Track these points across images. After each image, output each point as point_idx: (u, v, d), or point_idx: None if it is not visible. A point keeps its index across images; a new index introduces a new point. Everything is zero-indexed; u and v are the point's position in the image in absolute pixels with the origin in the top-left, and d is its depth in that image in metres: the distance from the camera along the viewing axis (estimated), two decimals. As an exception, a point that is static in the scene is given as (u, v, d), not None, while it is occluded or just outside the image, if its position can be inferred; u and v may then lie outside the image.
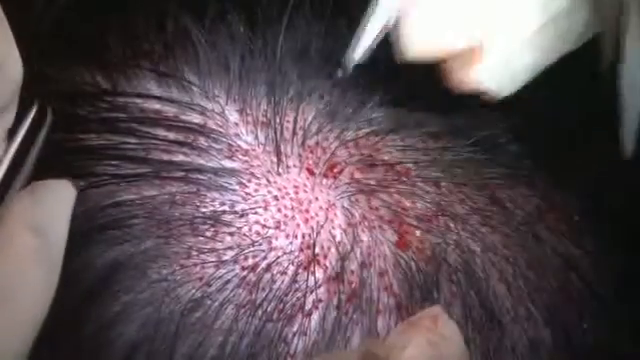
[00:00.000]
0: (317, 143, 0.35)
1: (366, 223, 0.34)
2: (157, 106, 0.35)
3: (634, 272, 0.36)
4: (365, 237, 0.34)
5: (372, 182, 0.35)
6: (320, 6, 0.36)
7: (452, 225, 0.35)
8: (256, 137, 0.35)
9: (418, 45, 0.33)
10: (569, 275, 0.36)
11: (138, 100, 0.35)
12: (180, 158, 0.34)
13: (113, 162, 0.34)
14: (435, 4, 0.33)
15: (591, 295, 0.36)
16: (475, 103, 0.37)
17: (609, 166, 0.37)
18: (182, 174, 0.34)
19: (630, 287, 0.36)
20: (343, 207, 0.35)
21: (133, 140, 0.34)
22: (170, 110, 0.35)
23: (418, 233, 0.34)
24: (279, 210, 0.34)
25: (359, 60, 0.34)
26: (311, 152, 0.35)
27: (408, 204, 0.35)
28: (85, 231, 0.34)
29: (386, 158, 0.36)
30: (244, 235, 0.33)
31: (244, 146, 0.35)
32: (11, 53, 0.29)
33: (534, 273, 0.35)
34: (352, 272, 0.33)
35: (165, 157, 0.34)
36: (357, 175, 0.35)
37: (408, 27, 0.33)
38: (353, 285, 0.33)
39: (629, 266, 0.36)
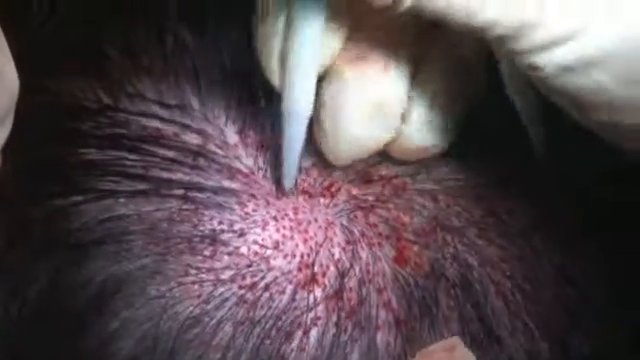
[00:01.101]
0: (314, 164, 0.35)
1: (365, 240, 0.34)
2: (157, 124, 0.35)
3: (629, 283, 0.36)
4: (364, 254, 0.34)
5: (370, 198, 0.35)
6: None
7: (449, 239, 0.35)
8: (255, 161, 0.35)
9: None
10: (565, 286, 0.36)
11: (139, 117, 0.35)
12: (179, 176, 0.34)
13: (113, 178, 0.34)
14: None
15: (587, 306, 0.36)
16: (469, 114, 0.37)
17: (604, 176, 0.37)
18: (181, 192, 0.34)
19: (626, 298, 0.36)
20: (342, 225, 0.35)
21: (133, 157, 0.34)
22: (170, 129, 0.35)
23: (416, 248, 0.34)
24: (277, 230, 0.34)
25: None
26: (307, 174, 0.35)
27: (406, 219, 0.35)
28: (84, 246, 0.34)
29: (383, 173, 0.36)
30: (242, 255, 0.33)
31: (244, 170, 0.35)
32: (7, 65, 0.29)
33: (530, 285, 0.35)
34: (351, 289, 0.33)
35: (165, 175, 0.34)
36: (354, 192, 0.35)
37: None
38: (352, 302, 0.33)
39: (624, 277, 0.37)
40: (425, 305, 0.34)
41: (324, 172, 0.35)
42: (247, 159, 0.35)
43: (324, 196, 0.35)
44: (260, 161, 0.35)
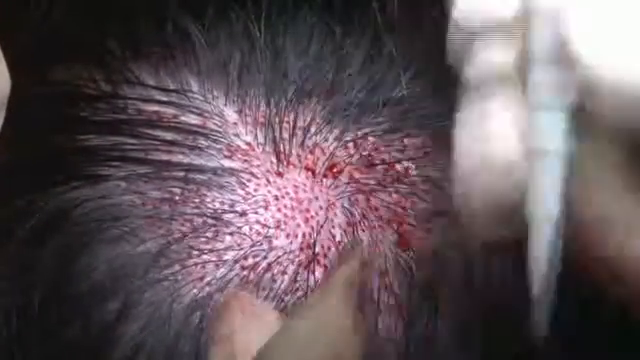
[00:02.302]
0: (316, 144, 0.35)
1: (366, 223, 0.34)
2: (156, 107, 0.35)
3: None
4: (365, 237, 0.34)
5: (371, 182, 0.35)
6: (319, 7, 0.36)
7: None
8: (255, 137, 0.35)
9: None
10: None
11: (137, 102, 0.35)
12: (179, 158, 0.34)
13: (113, 163, 0.34)
14: None
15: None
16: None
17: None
18: (182, 174, 0.34)
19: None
20: (343, 207, 0.35)
21: (133, 141, 0.35)
22: (169, 111, 0.35)
23: (418, 233, 0.34)
24: (279, 210, 0.34)
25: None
26: (310, 152, 0.35)
27: (407, 204, 0.35)
28: (86, 232, 0.34)
29: (385, 158, 0.36)
30: (244, 235, 0.33)
31: (243, 146, 0.35)
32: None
33: None
34: None
35: (165, 157, 0.34)
36: (356, 175, 0.35)
37: None
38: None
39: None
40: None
41: (327, 153, 0.35)
42: (246, 136, 0.35)
43: (326, 176, 0.35)
44: (260, 137, 0.35)
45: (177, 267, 0.33)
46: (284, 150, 0.35)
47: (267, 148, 0.35)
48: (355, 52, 0.37)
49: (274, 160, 0.35)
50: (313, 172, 0.35)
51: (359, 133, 0.36)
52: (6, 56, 0.30)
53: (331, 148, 0.35)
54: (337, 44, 0.36)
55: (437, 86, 0.37)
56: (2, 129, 0.30)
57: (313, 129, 0.35)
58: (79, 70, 0.37)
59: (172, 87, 0.36)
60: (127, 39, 0.37)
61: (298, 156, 0.35)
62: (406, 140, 0.36)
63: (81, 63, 0.37)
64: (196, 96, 0.35)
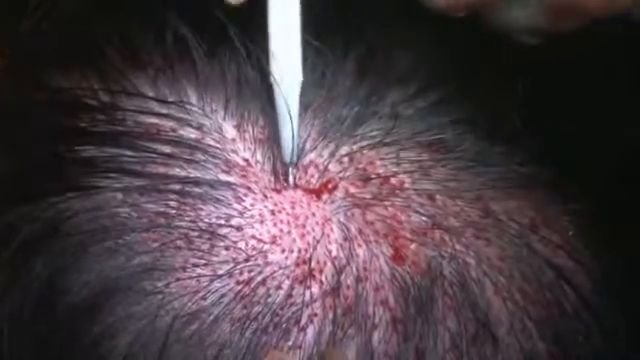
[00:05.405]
0: (311, 160, 0.35)
1: (362, 237, 0.34)
2: (155, 120, 0.35)
3: (627, 284, 0.36)
4: (361, 251, 0.34)
5: (367, 196, 0.35)
6: (315, 22, 0.36)
7: (447, 238, 0.35)
8: (254, 154, 0.35)
9: None
10: (563, 287, 0.36)
11: (136, 114, 0.35)
12: (176, 171, 0.34)
13: (110, 174, 0.34)
14: None
15: (585, 307, 0.36)
16: (468, 114, 0.37)
17: (604, 179, 0.37)
18: (178, 187, 0.34)
19: (624, 299, 0.36)
20: (339, 222, 0.35)
21: (130, 153, 0.34)
22: (167, 124, 0.35)
23: (413, 247, 0.34)
24: (275, 225, 0.34)
25: None
26: (306, 170, 0.35)
27: (403, 217, 0.35)
28: (79, 243, 0.34)
29: (380, 171, 0.36)
30: (239, 249, 0.33)
31: (241, 163, 0.35)
32: None
33: (529, 286, 0.35)
34: (348, 286, 0.33)
35: (162, 170, 0.34)
36: (352, 190, 0.35)
37: None
38: (349, 299, 0.33)
39: (622, 278, 0.37)
40: (422, 303, 0.34)
41: (321, 169, 0.35)
42: (244, 152, 0.35)
43: (322, 192, 0.35)
44: (258, 154, 0.35)
45: (171, 280, 0.33)
46: (282, 169, 0.35)
47: (265, 167, 0.35)
48: (347, 66, 0.36)
49: (272, 178, 0.35)
50: (309, 189, 0.35)
51: (354, 147, 0.36)
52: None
53: (326, 164, 0.35)
54: (330, 58, 0.36)
55: (432, 98, 0.37)
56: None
57: (309, 145, 0.35)
58: (77, 78, 0.36)
59: (171, 98, 0.36)
60: (126, 48, 0.36)
61: (295, 174, 0.35)
62: (401, 153, 0.36)
63: (79, 70, 0.36)
64: (195, 109, 0.35)
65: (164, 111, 0.35)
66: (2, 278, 0.34)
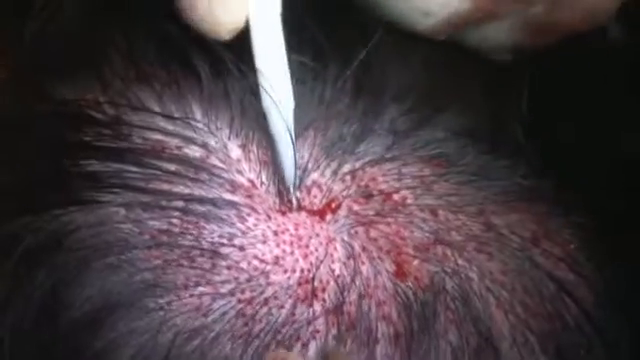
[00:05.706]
0: (314, 181, 0.35)
1: (365, 255, 0.34)
2: (160, 137, 0.35)
3: (630, 296, 0.36)
4: (364, 268, 0.34)
5: (370, 213, 0.35)
6: (310, 44, 0.36)
7: (449, 253, 0.35)
8: (259, 175, 0.35)
9: None
10: (565, 300, 0.36)
11: (142, 130, 0.35)
12: (180, 189, 0.34)
13: (114, 190, 0.34)
14: None
15: (587, 320, 0.36)
16: (470, 130, 0.37)
17: (606, 191, 0.37)
18: (182, 204, 0.34)
19: (626, 311, 0.36)
20: (343, 241, 0.35)
21: (135, 169, 0.34)
22: (172, 142, 0.35)
23: (416, 262, 0.34)
24: (278, 245, 0.34)
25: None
26: (309, 191, 0.35)
27: (406, 233, 0.35)
28: (81, 258, 0.34)
29: (383, 187, 0.36)
30: (242, 269, 0.33)
31: (246, 184, 0.35)
32: None
33: (531, 299, 0.35)
34: (351, 303, 0.33)
35: (165, 187, 0.34)
36: (355, 207, 0.35)
37: None
38: (351, 315, 0.33)
39: (625, 290, 0.37)
40: (425, 319, 0.34)
41: (325, 189, 0.35)
42: (249, 173, 0.35)
43: (325, 212, 0.35)
44: (263, 176, 0.35)
45: (173, 297, 0.33)
46: (286, 191, 0.35)
47: (270, 188, 0.35)
48: (344, 84, 0.36)
49: (277, 200, 0.35)
50: (313, 210, 0.35)
51: (356, 164, 0.36)
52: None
53: (329, 183, 0.35)
54: (327, 78, 0.36)
55: (428, 112, 0.37)
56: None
57: (311, 165, 0.35)
58: (82, 90, 0.36)
59: (176, 114, 0.35)
60: (131, 62, 0.36)
61: (299, 196, 0.35)
62: (403, 168, 0.36)
63: (84, 81, 0.36)
64: (200, 126, 0.35)
65: (170, 128, 0.35)
66: (4, 287, 0.34)
